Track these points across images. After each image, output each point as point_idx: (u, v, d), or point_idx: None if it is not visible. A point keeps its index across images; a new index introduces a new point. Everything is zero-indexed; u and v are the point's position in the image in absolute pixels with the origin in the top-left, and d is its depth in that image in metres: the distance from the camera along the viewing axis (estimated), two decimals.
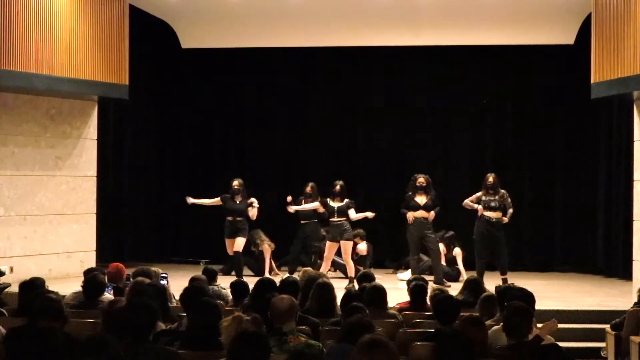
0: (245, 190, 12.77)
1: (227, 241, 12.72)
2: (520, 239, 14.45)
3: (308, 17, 13.45)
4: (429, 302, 7.66)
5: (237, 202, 12.66)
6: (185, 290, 6.78)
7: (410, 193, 12.28)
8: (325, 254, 12.31)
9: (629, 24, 11.25)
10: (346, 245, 12.22)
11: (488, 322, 6.87)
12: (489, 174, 11.99)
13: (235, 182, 12.75)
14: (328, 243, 12.32)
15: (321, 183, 13.87)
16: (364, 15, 13.32)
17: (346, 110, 15.22)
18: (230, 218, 12.69)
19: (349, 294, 7.25)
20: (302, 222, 13.29)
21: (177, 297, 8.28)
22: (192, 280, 7.84)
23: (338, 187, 12.30)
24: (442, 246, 12.94)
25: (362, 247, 13.43)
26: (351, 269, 12.16)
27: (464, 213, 12.34)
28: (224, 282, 8.95)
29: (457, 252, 13.11)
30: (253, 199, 12.68)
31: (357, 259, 13.19)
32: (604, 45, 11.80)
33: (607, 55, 11.72)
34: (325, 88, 15.26)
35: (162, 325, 5.95)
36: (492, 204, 11.77)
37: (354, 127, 15.24)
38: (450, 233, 13.31)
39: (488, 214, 11.79)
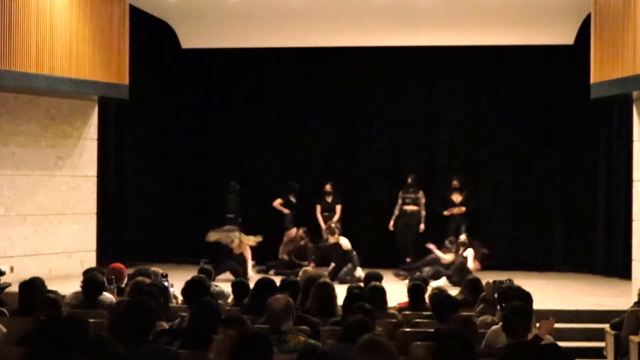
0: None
1: None
2: (520, 239, 14.46)
3: (308, 17, 13.44)
4: (427, 302, 7.67)
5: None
6: (188, 283, 6.79)
7: None
8: None
9: (629, 24, 11.24)
10: None
11: (484, 319, 6.88)
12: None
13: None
14: None
15: (320, 183, 13.89)
16: (364, 16, 13.31)
17: (346, 110, 15.20)
18: None
19: (351, 294, 7.23)
20: None
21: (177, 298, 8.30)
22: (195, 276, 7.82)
23: None
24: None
25: (344, 241, 12.82)
26: None
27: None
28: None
29: (470, 252, 12.81)
30: None
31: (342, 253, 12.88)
32: (604, 45, 11.79)
33: (607, 55, 11.71)
34: (324, 88, 15.24)
35: (162, 325, 5.95)
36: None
37: (353, 127, 15.21)
38: (463, 237, 12.88)
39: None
